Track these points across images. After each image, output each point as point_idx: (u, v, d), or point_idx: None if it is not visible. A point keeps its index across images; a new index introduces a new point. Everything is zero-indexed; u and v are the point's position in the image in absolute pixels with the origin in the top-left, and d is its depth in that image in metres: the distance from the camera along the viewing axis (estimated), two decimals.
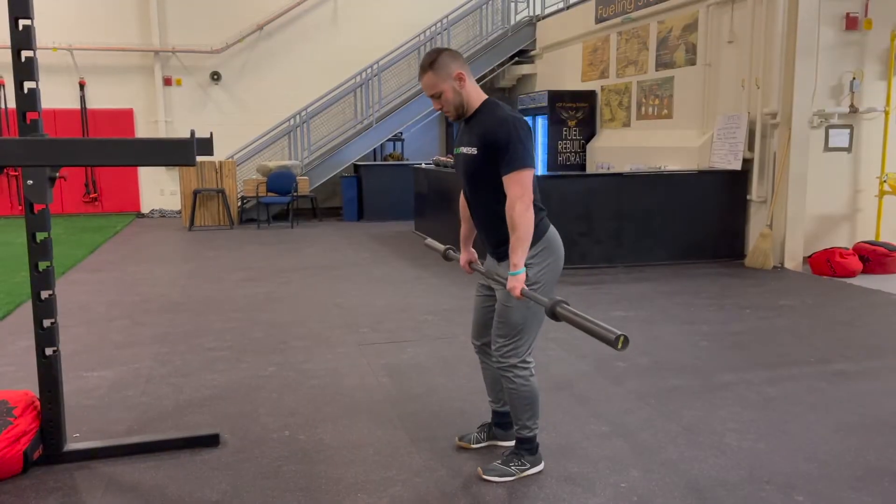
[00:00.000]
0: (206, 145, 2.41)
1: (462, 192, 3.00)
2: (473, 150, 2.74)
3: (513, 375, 2.81)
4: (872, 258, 7.07)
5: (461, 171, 2.87)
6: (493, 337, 2.86)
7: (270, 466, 3.00)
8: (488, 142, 2.67)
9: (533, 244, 2.71)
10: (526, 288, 2.60)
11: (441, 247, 3.31)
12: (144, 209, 13.09)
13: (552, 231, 2.83)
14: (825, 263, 7.00)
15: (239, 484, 2.85)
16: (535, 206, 2.70)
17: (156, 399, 3.80)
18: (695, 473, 2.90)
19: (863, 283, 6.66)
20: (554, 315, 2.37)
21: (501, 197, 2.70)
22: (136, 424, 3.46)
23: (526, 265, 2.69)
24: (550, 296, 2.80)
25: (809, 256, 7.25)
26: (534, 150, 2.68)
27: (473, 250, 3.11)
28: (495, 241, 2.85)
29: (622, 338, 2.11)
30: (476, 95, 2.77)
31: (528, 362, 2.84)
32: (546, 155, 10.71)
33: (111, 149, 2.40)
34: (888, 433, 3.29)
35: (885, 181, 7.41)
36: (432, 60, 2.71)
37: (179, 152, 2.37)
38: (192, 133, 2.38)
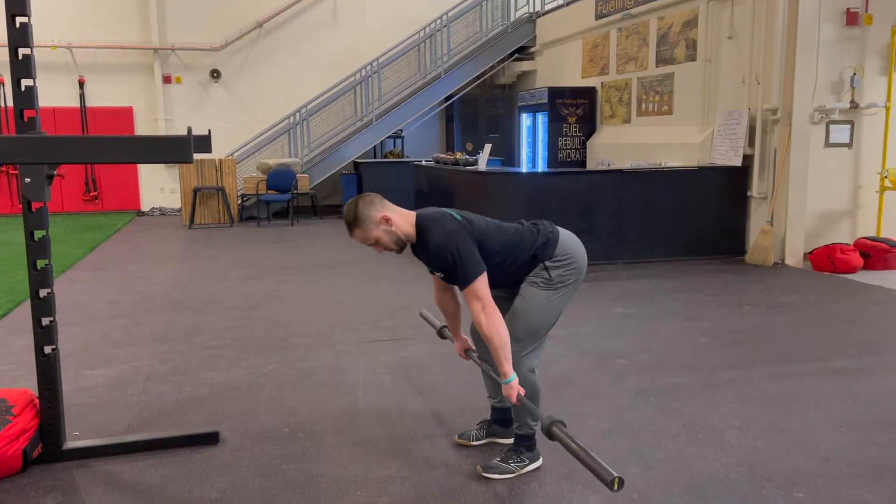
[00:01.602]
0: (203, 143, 2.40)
1: (435, 289, 3.02)
2: (441, 274, 2.78)
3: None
4: (873, 254, 7.05)
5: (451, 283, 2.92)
6: None
7: (270, 464, 3.00)
8: (441, 266, 2.72)
9: (550, 254, 2.78)
10: (521, 394, 2.62)
11: (438, 323, 3.29)
12: (144, 207, 13.09)
13: (564, 234, 2.87)
14: (826, 259, 6.99)
15: (238, 482, 2.85)
16: (528, 234, 2.80)
17: (155, 397, 3.80)
18: (695, 471, 2.89)
19: (864, 279, 6.65)
20: (549, 435, 2.33)
21: (502, 266, 2.75)
22: (135, 422, 3.46)
23: (546, 267, 2.78)
24: (571, 298, 2.86)
25: (810, 252, 7.24)
26: (473, 248, 2.65)
27: (465, 337, 3.10)
28: (515, 282, 2.85)
29: (617, 480, 2.02)
30: (408, 225, 2.75)
31: (534, 360, 2.85)
32: (546, 152, 10.71)
33: (108, 146, 2.40)
34: (889, 430, 3.28)
35: (885, 177, 7.40)
36: (353, 217, 2.70)
37: (176, 150, 2.37)
38: (189, 130, 2.38)
